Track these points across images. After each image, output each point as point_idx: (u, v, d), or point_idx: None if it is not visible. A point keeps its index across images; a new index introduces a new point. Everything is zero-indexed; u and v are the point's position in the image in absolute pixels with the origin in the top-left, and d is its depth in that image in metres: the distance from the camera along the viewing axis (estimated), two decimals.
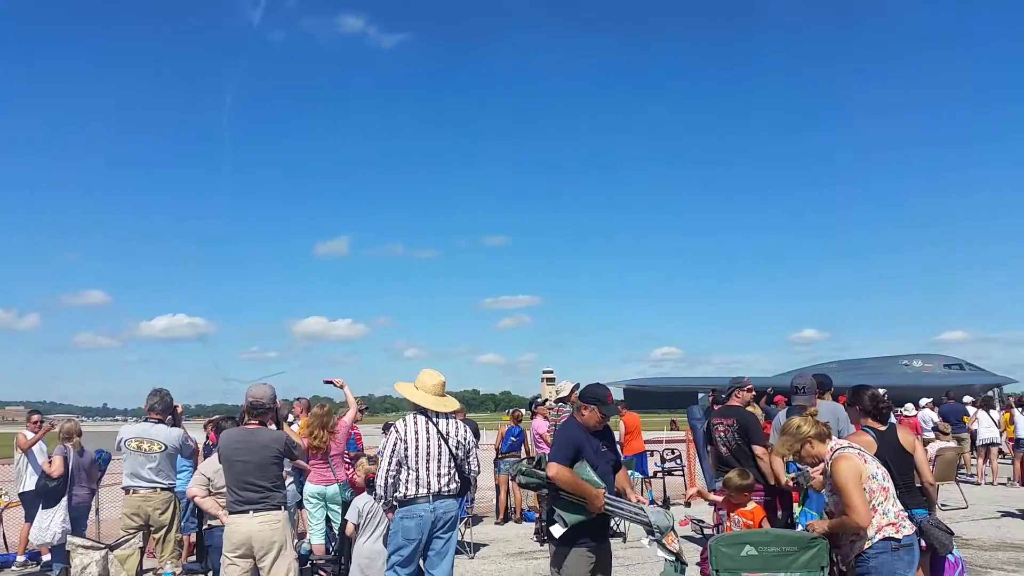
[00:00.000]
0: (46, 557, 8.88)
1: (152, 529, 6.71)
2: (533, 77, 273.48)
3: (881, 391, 7.24)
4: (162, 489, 6.77)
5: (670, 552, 4.90)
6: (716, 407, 8.41)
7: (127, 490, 6.79)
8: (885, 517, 4.15)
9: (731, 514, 5.93)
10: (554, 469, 4.94)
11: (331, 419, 7.93)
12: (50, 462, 8.58)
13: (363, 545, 5.88)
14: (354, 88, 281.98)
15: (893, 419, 8.64)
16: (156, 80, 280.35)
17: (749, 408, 7.51)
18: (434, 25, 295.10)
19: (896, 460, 4.87)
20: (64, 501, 8.34)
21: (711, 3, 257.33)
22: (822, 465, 4.56)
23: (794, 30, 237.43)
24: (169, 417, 7.08)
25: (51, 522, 8.30)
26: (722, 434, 6.99)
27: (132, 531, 6.50)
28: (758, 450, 6.76)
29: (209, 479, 5.96)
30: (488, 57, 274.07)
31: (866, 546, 4.15)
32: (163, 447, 6.75)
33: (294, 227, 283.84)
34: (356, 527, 5.91)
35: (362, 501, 6.03)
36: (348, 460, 8.56)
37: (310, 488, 7.69)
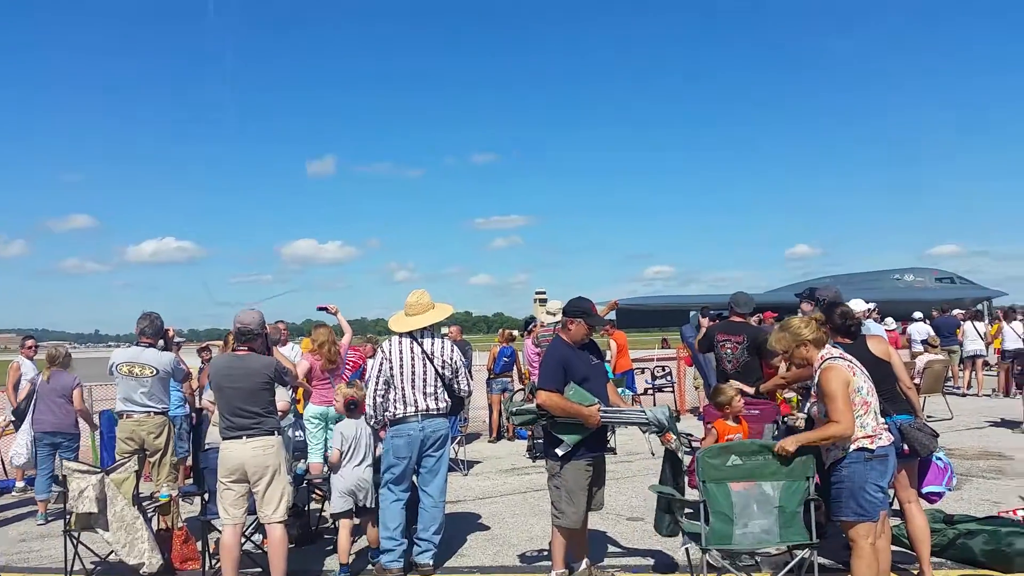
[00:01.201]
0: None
1: (147, 453, 6.77)
2: None
3: (864, 306, 7.24)
4: (155, 413, 6.80)
5: (668, 446, 5.04)
6: (712, 323, 8.39)
7: (120, 415, 6.83)
8: (863, 430, 4.22)
9: (711, 427, 6.00)
10: (543, 396, 5.00)
11: (335, 338, 7.97)
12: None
13: (350, 471, 5.94)
14: (339, 5, 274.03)
15: (879, 329, 8.68)
16: (143, 2, 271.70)
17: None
18: None
19: (871, 370, 4.90)
20: (26, 425, 8.40)
21: None
22: (806, 371, 4.60)
23: None
24: (161, 341, 7.06)
25: (17, 445, 8.46)
26: (729, 351, 6.99)
27: (127, 455, 6.56)
28: (775, 362, 6.64)
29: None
30: None
31: (840, 455, 4.24)
32: (155, 371, 6.75)
33: (283, 149, 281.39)
34: (341, 453, 5.97)
35: (346, 426, 6.07)
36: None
37: (312, 409, 7.75)
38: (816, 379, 4.33)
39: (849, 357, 4.39)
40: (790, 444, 4.31)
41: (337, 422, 7.77)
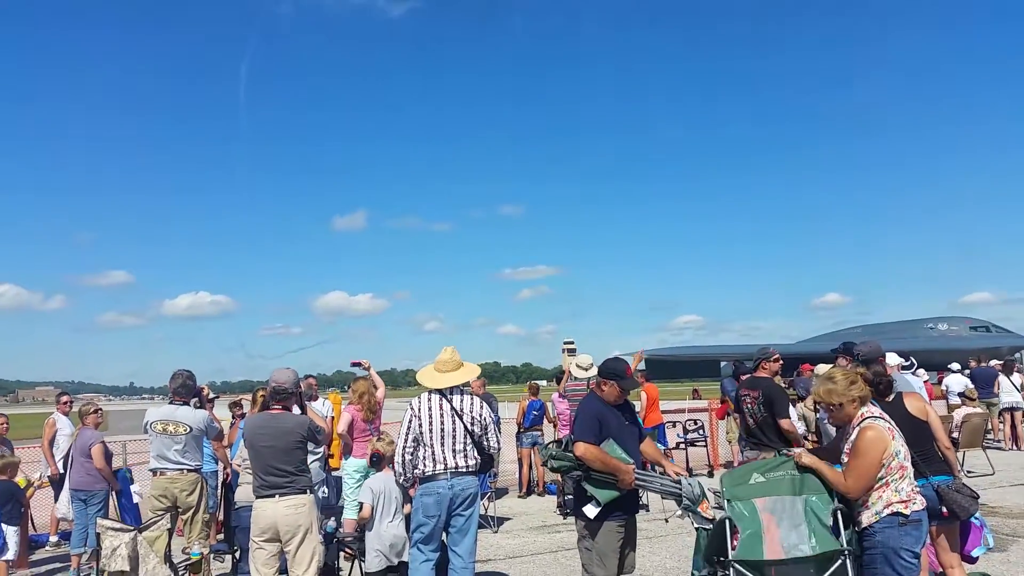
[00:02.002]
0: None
1: (180, 510, 6.81)
2: (545, 44, 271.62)
3: (897, 360, 7.14)
4: (189, 471, 6.85)
5: (704, 519, 4.94)
6: (743, 377, 8.38)
7: (154, 472, 6.89)
8: (897, 495, 4.12)
9: None
10: (581, 448, 4.96)
11: (373, 390, 8.03)
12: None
13: (382, 529, 5.92)
14: (363, 59, 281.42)
15: (917, 382, 8.56)
16: (170, 59, 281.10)
17: (776, 379, 7.50)
18: None
19: (906, 430, 4.84)
20: (66, 483, 8.51)
21: None
22: (842, 429, 4.53)
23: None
24: (195, 400, 7.16)
25: (60, 502, 8.62)
26: (749, 406, 7.00)
27: (160, 512, 6.60)
28: (784, 423, 6.76)
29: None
30: (499, 24, 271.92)
31: (873, 520, 4.12)
32: (188, 429, 6.82)
33: (312, 203, 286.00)
34: (372, 509, 5.96)
35: (377, 482, 6.06)
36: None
37: (353, 462, 7.72)
38: (854, 436, 4.25)
39: (887, 418, 4.32)
40: (806, 457, 4.33)
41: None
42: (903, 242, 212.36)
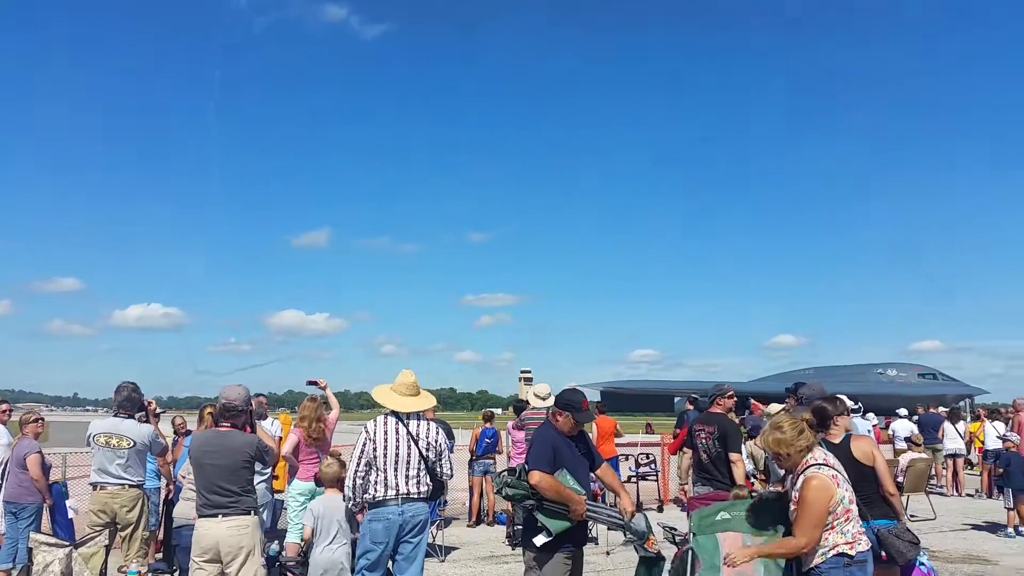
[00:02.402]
0: None
1: (119, 527, 6.62)
2: (517, 71, 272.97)
3: (849, 403, 7.30)
4: (130, 486, 6.68)
5: (649, 553, 5.08)
6: (700, 412, 8.49)
7: (94, 486, 6.70)
8: (843, 536, 4.18)
9: None
10: (536, 477, 4.94)
11: (323, 412, 7.89)
12: None
13: (319, 554, 5.82)
14: (337, 78, 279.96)
15: (865, 425, 8.70)
16: (134, 61, 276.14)
17: (730, 415, 7.61)
18: (417, 16, 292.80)
19: (851, 473, 4.90)
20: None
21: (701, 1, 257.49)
22: (786, 477, 4.61)
23: (791, 36, 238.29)
24: (141, 413, 6.99)
25: None
26: (703, 441, 7.08)
27: (98, 528, 6.40)
28: (733, 456, 6.88)
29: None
30: (472, 50, 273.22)
31: (820, 561, 4.18)
32: (132, 443, 6.66)
33: (274, 217, 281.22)
34: (312, 531, 5.88)
35: (317, 504, 5.97)
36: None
37: (299, 485, 7.60)
38: (799, 484, 4.30)
39: (833, 463, 4.37)
40: (743, 556, 4.32)
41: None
42: (857, 287, 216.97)
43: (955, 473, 16.51)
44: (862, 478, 5.16)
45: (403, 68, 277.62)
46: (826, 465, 4.30)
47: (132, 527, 6.62)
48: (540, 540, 4.96)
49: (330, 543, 5.90)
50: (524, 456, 6.58)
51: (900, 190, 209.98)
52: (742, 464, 7.07)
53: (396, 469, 5.53)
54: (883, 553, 5.04)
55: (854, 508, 4.28)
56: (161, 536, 8.89)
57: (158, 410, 8.33)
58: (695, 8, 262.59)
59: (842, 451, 5.25)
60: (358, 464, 5.55)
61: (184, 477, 6.67)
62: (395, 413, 5.71)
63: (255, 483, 5.68)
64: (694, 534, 4.65)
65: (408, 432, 5.63)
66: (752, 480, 7.73)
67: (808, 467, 4.29)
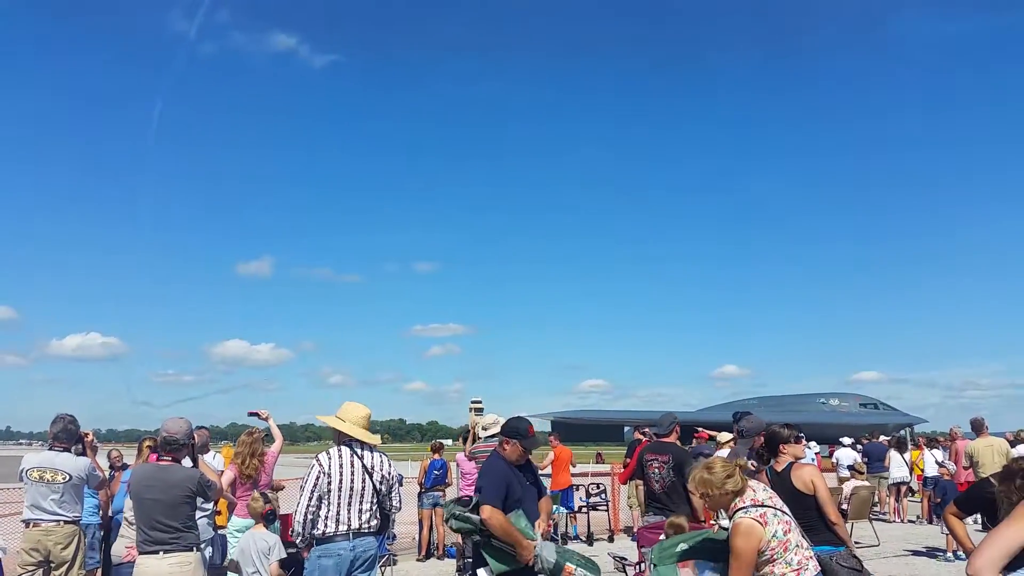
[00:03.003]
0: None
1: (53, 565, 6.35)
2: (465, 102, 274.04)
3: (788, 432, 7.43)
4: (66, 522, 6.42)
5: None
6: (644, 441, 8.51)
7: (27, 523, 6.42)
8: (788, 566, 4.19)
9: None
10: (487, 512, 4.86)
11: (260, 447, 7.68)
12: None
13: None
14: (283, 107, 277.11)
15: (808, 453, 8.85)
16: (73, 83, 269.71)
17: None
18: (366, 47, 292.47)
19: (791, 502, 4.94)
20: None
21: (653, 28, 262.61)
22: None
23: (740, 66, 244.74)
24: (78, 446, 6.75)
25: None
26: (656, 470, 7.05)
27: (30, 568, 6.13)
28: (692, 487, 6.88)
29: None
30: (419, 81, 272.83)
31: None
32: (67, 477, 6.42)
33: (216, 246, 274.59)
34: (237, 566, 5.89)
35: (243, 540, 5.98)
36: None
37: (237, 521, 7.40)
38: (730, 529, 4.33)
39: (762, 501, 4.32)
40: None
41: None
42: (798, 318, 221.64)
43: (900, 500, 16.87)
44: (802, 506, 5.26)
45: (349, 97, 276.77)
46: (753, 506, 4.30)
47: (67, 565, 6.36)
48: (482, 574, 4.90)
49: None
50: (472, 488, 6.50)
51: (840, 225, 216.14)
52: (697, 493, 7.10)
53: (350, 503, 5.39)
54: None
55: (793, 536, 4.28)
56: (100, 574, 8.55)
57: (95, 443, 8.05)
58: (641, 37, 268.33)
59: (784, 479, 5.35)
60: (310, 498, 5.37)
61: (128, 515, 6.45)
62: (350, 444, 5.56)
63: (196, 518, 5.52)
64: (655, 565, 4.66)
65: (363, 465, 5.51)
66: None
67: (736, 511, 4.31)
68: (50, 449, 6.58)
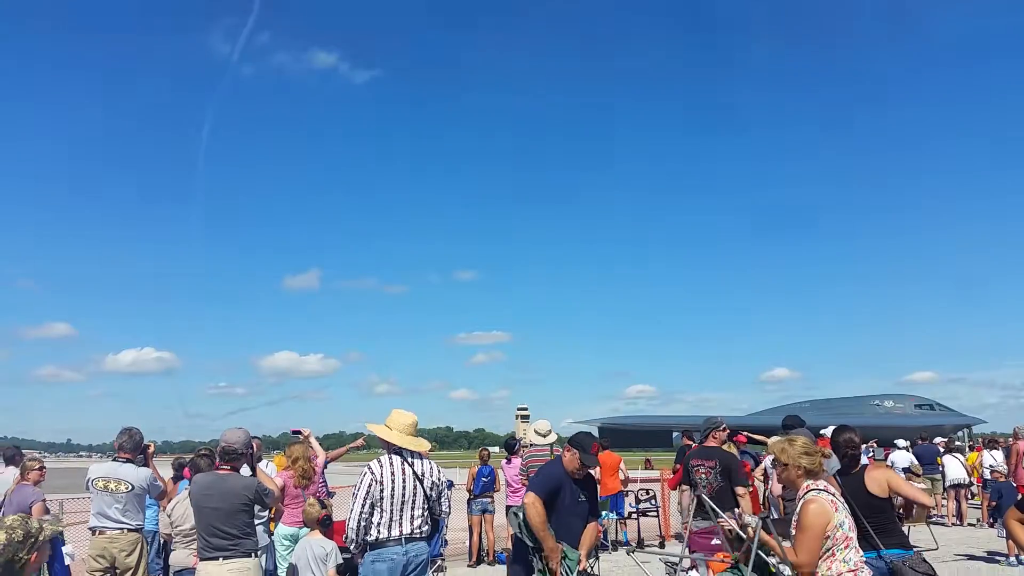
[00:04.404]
0: None
1: (118, 571, 6.57)
2: (503, 114, 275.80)
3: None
4: (129, 530, 6.65)
5: None
6: (694, 447, 8.48)
7: (93, 531, 6.67)
8: (845, 565, 4.18)
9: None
10: (529, 498, 5.18)
11: (310, 452, 7.90)
12: None
13: None
14: (326, 123, 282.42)
15: (865, 460, 8.77)
16: (125, 109, 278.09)
17: (725, 447, 7.61)
18: (406, 62, 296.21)
19: (863, 504, 4.91)
20: None
21: (689, 37, 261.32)
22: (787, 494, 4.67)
23: (774, 66, 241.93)
24: (140, 456, 6.98)
25: None
26: (703, 476, 7.05)
27: (97, 573, 6.36)
28: (739, 490, 6.87)
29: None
30: (459, 93, 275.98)
31: None
32: (130, 487, 6.64)
33: (265, 260, 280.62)
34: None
35: (299, 546, 6.14)
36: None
37: (283, 530, 7.57)
38: (798, 508, 4.33)
39: (833, 491, 4.39)
40: (763, 535, 4.41)
41: None
42: (850, 319, 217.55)
43: (958, 503, 16.46)
44: (875, 510, 5.22)
45: (390, 111, 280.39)
46: (826, 491, 4.33)
47: (132, 572, 6.58)
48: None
49: None
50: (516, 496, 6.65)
51: (890, 223, 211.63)
52: (748, 497, 7.07)
53: (402, 509, 5.51)
54: None
55: (854, 536, 4.28)
56: None
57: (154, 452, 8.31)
58: (680, 46, 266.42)
59: (856, 481, 5.30)
60: (363, 505, 5.49)
61: (174, 526, 6.59)
62: (400, 452, 5.68)
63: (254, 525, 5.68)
64: None
65: (414, 472, 5.61)
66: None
67: (808, 491, 4.33)
68: (114, 460, 6.83)
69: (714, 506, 5.22)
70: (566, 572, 5.13)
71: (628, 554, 6.46)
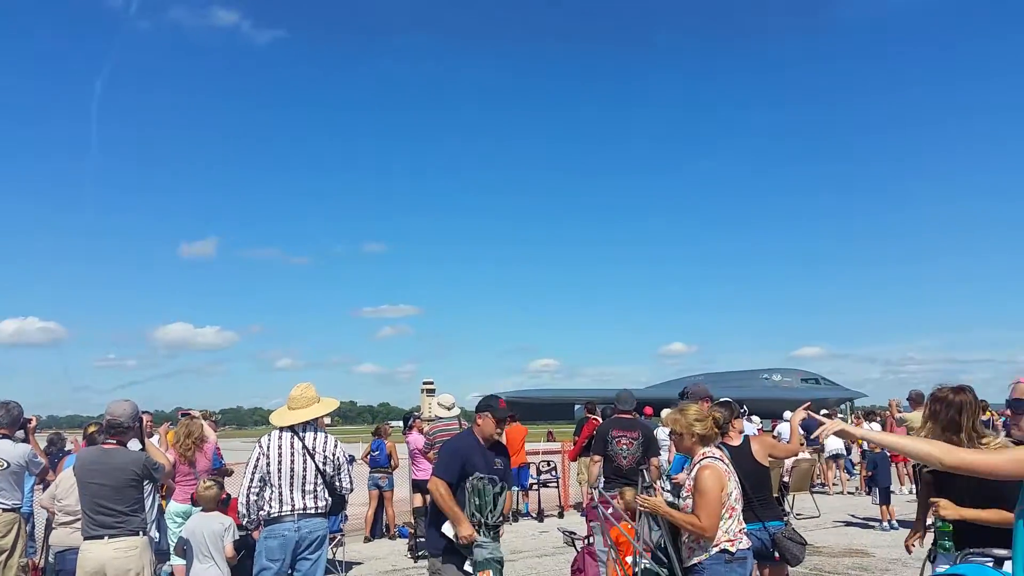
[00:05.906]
0: None
1: None
2: (412, 81, 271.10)
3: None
4: (5, 510, 6.28)
5: None
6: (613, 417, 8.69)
7: None
8: (726, 534, 4.31)
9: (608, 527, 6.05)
10: (432, 483, 5.16)
11: (198, 429, 7.67)
12: None
13: (192, 574, 5.85)
14: (227, 84, 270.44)
15: (751, 428, 9.15)
16: (9, 56, 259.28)
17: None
18: (310, 24, 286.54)
19: (751, 474, 5.10)
20: None
21: (601, 14, 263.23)
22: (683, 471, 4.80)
23: (679, 49, 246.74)
24: (20, 432, 6.59)
25: None
26: (625, 446, 7.26)
27: None
28: (655, 460, 7.22)
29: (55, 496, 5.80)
30: (366, 58, 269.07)
31: (703, 557, 4.28)
32: (5, 464, 6.26)
33: (158, 226, 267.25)
34: (185, 552, 5.92)
35: (190, 523, 6.04)
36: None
37: (175, 507, 7.33)
38: (694, 474, 4.44)
39: (725, 460, 4.53)
40: (655, 502, 4.48)
41: None
42: (743, 295, 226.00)
43: (837, 472, 17.44)
44: (760, 481, 5.44)
45: (295, 74, 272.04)
46: (721, 460, 4.46)
47: (7, 554, 6.23)
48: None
49: (202, 563, 6.00)
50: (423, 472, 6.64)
51: (782, 204, 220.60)
52: (656, 466, 7.41)
53: (292, 484, 5.43)
54: (776, 554, 5.31)
55: (739, 507, 4.43)
56: (41, 563, 8.38)
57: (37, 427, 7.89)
58: (588, 22, 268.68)
59: (743, 452, 5.48)
60: (251, 480, 5.44)
61: (57, 502, 6.28)
62: (291, 427, 5.60)
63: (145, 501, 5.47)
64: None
65: (304, 446, 5.53)
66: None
67: (705, 458, 4.44)
68: None
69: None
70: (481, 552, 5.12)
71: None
